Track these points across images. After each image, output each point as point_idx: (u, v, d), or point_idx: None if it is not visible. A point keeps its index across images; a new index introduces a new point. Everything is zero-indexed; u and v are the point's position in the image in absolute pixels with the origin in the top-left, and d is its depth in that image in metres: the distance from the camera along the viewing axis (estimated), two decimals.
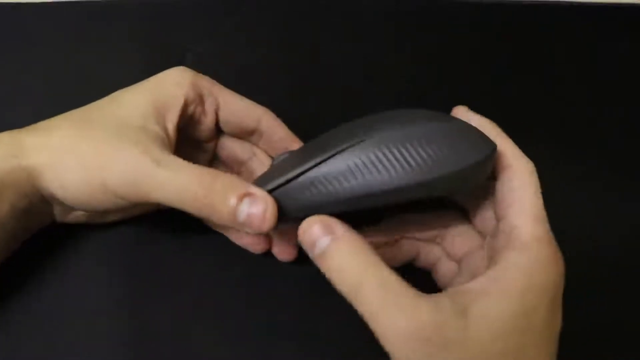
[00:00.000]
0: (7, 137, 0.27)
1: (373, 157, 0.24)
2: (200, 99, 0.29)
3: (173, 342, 0.29)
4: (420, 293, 0.22)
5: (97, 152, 0.25)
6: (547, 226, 0.25)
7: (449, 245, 0.29)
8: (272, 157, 0.31)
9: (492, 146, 0.25)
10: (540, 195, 0.25)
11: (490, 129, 0.27)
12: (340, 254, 0.23)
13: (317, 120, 0.33)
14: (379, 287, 0.22)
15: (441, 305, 0.22)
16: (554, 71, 0.38)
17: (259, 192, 0.24)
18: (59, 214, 0.29)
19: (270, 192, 0.25)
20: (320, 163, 0.24)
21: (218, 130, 0.31)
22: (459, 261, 0.29)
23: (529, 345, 0.23)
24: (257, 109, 0.30)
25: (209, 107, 0.29)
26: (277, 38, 0.38)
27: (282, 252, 0.30)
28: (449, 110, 0.36)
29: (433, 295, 0.22)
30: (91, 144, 0.26)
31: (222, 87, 0.30)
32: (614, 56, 0.39)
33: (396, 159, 0.23)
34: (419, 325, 0.21)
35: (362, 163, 0.24)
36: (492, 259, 0.25)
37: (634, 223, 0.34)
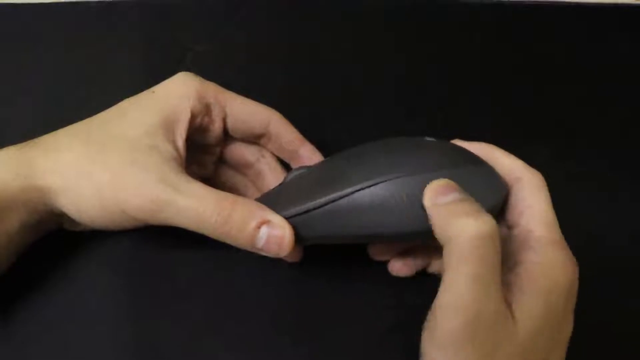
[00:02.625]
0: (16, 153, 0.26)
1: (394, 201, 0.24)
2: (207, 109, 0.29)
3: (177, 349, 0.29)
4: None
5: (113, 180, 0.25)
6: (560, 232, 0.26)
7: None
8: (279, 159, 0.31)
9: (505, 190, 0.26)
10: (551, 203, 0.26)
11: (493, 151, 0.28)
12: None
13: (317, 120, 0.34)
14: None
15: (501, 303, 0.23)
16: (554, 71, 0.38)
17: (278, 220, 0.25)
18: (68, 225, 0.29)
19: (288, 218, 0.25)
20: (342, 197, 0.25)
21: (225, 134, 0.31)
22: None
23: (553, 346, 0.24)
24: (265, 112, 0.30)
25: (216, 116, 0.29)
26: (277, 38, 0.38)
27: (290, 254, 0.30)
28: (450, 110, 0.36)
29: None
30: (106, 171, 0.25)
31: (228, 93, 0.29)
32: (614, 56, 0.39)
33: (416, 205, 0.24)
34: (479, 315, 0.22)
35: (383, 205, 0.24)
36: (504, 264, 0.25)
37: (635, 223, 0.33)
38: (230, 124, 0.30)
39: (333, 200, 0.25)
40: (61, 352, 0.28)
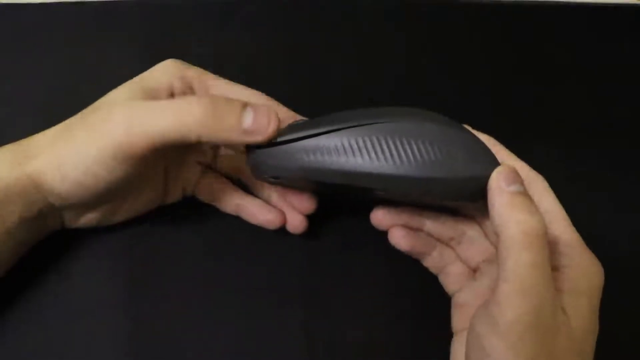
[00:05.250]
0: (13, 145, 0.27)
1: (373, 142, 0.25)
2: (191, 91, 0.29)
3: (173, 344, 0.29)
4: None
5: (89, 133, 0.26)
6: (574, 230, 0.26)
7: (463, 251, 0.29)
8: None
9: (493, 167, 0.25)
10: (559, 203, 0.27)
11: (498, 148, 0.28)
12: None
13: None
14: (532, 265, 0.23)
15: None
16: (554, 71, 0.38)
17: (257, 100, 0.27)
18: (68, 220, 0.29)
19: (276, 145, 0.26)
20: (325, 133, 0.25)
21: None
22: (474, 267, 0.29)
23: (589, 346, 0.24)
24: (249, 92, 0.30)
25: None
26: (277, 38, 0.38)
27: (294, 222, 0.30)
28: (450, 111, 0.36)
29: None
30: (82, 130, 0.26)
31: (212, 75, 0.30)
32: (614, 56, 0.39)
33: (392, 149, 0.24)
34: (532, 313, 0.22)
35: (362, 144, 0.25)
36: None
37: (635, 223, 0.33)
38: None
39: (319, 134, 0.25)
40: (57, 346, 0.28)
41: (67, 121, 0.28)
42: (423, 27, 0.39)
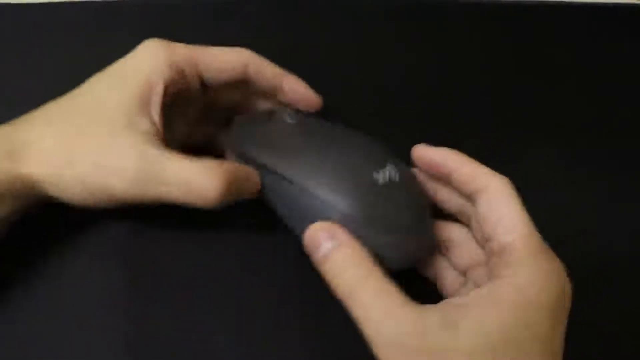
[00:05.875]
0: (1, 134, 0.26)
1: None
2: (181, 74, 0.28)
3: (171, 342, 0.29)
4: (411, 302, 0.23)
5: (95, 169, 0.25)
6: (539, 238, 0.24)
7: (453, 256, 0.29)
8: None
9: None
10: (524, 208, 0.25)
11: (455, 157, 0.27)
12: (342, 259, 0.24)
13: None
14: (373, 294, 0.23)
15: (429, 315, 0.22)
16: (554, 71, 0.38)
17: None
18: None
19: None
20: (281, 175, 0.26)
21: (205, 88, 0.30)
22: (464, 272, 0.29)
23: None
24: (239, 55, 0.29)
25: (192, 77, 0.29)
26: (277, 38, 0.38)
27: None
28: (450, 111, 0.36)
29: (425, 305, 0.23)
30: (86, 160, 0.25)
31: (199, 49, 0.29)
32: (614, 56, 0.39)
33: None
34: (403, 333, 0.22)
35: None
36: (489, 276, 0.25)
37: (635, 223, 0.33)
38: (207, 78, 0.29)
39: (283, 178, 0.26)
40: (58, 347, 0.28)
41: (61, 118, 0.27)
42: (423, 27, 0.39)
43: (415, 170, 0.29)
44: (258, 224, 0.31)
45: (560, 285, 0.23)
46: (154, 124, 0.27)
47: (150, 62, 0.27)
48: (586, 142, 0.36)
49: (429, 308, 0.23)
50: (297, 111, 0.30)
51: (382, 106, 0.36)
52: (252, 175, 0.27)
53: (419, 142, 0.34)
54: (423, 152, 0.28)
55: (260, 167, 0.27)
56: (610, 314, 0.31)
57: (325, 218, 0.24)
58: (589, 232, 0.33)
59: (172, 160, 0.25)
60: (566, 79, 0.38)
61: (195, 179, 0.25)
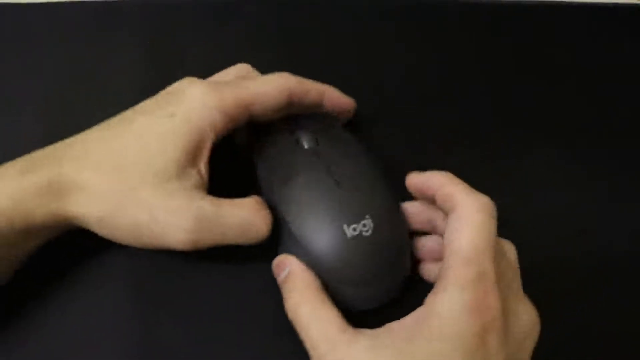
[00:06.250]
0: (40, 176, 0.25)
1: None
2: (232, 121, 0.28)
3: (179, 352, 0.29)
4: (349, 328, 0.24)
5: (150, 222, 0.25)
6: (478, 269, 0.23)
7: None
8: None
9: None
10: (485, 234, 0.24)
11: (439, 178, 0.27)
12: (291, 285, 0.26)
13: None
14: (310, 317, 0.25)
15: (359, 340, 0.23)
16: (554, 71, 0.38)
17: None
18: None
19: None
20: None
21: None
22: None
23: None
24: (284, 85, 0.28)
25: (241, 120, 0.28)
26: (277, 38, 0.38)
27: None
28: (450, 111, 0.36)
29: (361, 330, 0.24)
30: (142, 210, 0.25)
31: (245, 87, 0.28)
32: (614, 56, 0.39)
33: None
34: (334, 355, 0.23)
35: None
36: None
37: (635, 223, 0.33)
38: (255, 116, 0.29)
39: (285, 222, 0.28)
40: (62, 355, 0.28)
41: (110, 160, 0.26)
42: (423, 27, 0.39)
43: (408, 204, 0.30)
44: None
45: (481, 323, 0.23)
46: (201, 176, 0.27)
47: (202, 114, 0.27)
48: (586, 142, 0.36)
49: (362, 333, 0.24)
50: (320, 129, 0.30)
51: (382, 106, 0.36)
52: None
53: (419, 142, 0.35)
54: (414, 179, 0.28)
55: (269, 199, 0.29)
56: (610, 314, 0.31)
57: (301, 255, 0.27)
58: (589, 232, 0.33)
59: (223, 208, 0.26)
60: (566, 79, 0.38)
61: (249, 222, 0.27)
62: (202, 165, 0.27)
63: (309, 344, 0.24)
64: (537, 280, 0.31)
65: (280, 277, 0.27)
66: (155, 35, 0.38)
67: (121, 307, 0.29)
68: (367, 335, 0.24)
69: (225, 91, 0.27)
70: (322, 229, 0.27)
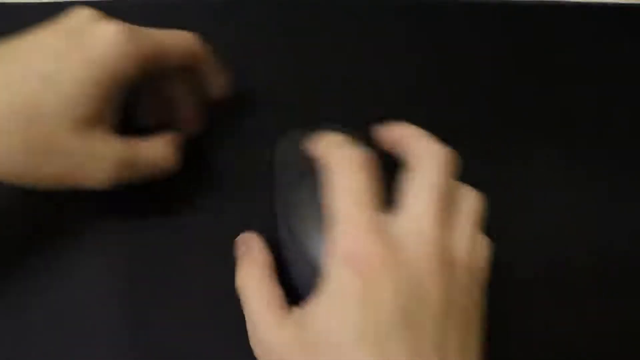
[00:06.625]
0: None
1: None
2: (143, 70, 0.28)
3: (174, 343, 0.29)
4: (291, 311, 0.24)
5: (72, 168, 0.26)
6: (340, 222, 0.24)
7: None
8: None
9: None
10: (366, 181, 0.24)
11: (400, 129, 0.28)
12: (245, 262, 0.27)
13: (317, 119, 0.33)
14: (254, 293, 0.26)
15: (291, 316, 0.24)
16: (554, 71, 0.38)
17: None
18: None
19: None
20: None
21: None
22: None
23: None
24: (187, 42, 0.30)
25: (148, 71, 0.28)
26: (277, 38, 0.38)
27: None
28: (450, 111, 0.36)
29: (296, 308, 0.24)
30: (61, 159, 0.26)
31: (161, 44, 0.28)
32: (614, 56, 0.39)
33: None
34: (280, 341, 0.24)
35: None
36: None
37: (635, 223, 0.33)
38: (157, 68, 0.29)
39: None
40: (55, 346, 0.28)
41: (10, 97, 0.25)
42: (423, 27, 0.39)
43: None
44: (260, 226, 0.31)
45: (357, 273, 0.22)
46: (115, 117, 0.27)
47: (119, 62, 0.26)
48: (586, 142, 0.36)
49: (293, 312, 0.24)
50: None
51: (382, 106, 0.36)
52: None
53: None
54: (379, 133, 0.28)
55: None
56: (610, 314, 0.31)
57: (302, 258, 0.27)
58: (589, 232, 0.33)
59: (139, 149, 0.28)
60: (566, 79, 0.38)
61: (162, 158, 0.29)
62: (114, 109, 0.27)
63: (246, 316, 0.25)
64: (537, 280, 0.31)
65: (240, 251, 0.28)
66: None
67: (110, 296, 0.30)
68: (296, 314, 0.24)
69: (138, 37, 0.27)
70: (323, 235, 0.27)
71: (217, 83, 0.32)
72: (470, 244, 0.24)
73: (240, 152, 0.34)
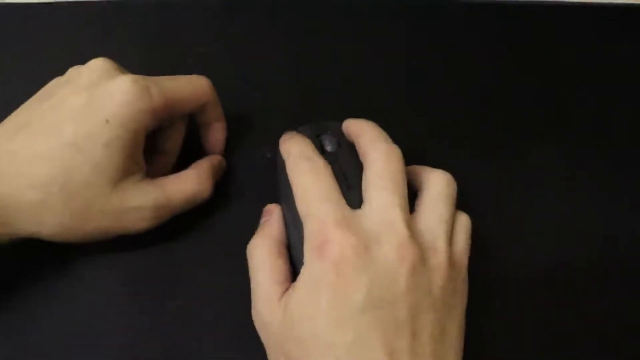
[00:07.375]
0: None
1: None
2: (160, 120, 0.29)
3: (176, 343, 0.29)
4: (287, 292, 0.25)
5: (111, 224, 0.27)
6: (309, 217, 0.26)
7: None
8: None
9: None
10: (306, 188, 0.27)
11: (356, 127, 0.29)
12: (263, 232, 0.28)
13: (317, 119, 0.33)
14: (262, 263, 0.27)
15: (284, 297, 0.25)
16: (554, 71, 0.38)
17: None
18: None
19: None
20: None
21: None
22: None
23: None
24: (201, 89, 0.30)
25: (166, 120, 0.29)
26: (277, 38, 0.38)
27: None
28: (450, 110, 0.36)
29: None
30: (97, 220, 0.27)
31: (171, 87, 0.29)
32: (614, 56, 0.39)
33: None
34: (271, 319, 0.25)
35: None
36: None
37: (635, 223, 0.33)
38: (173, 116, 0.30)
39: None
40: (55, 348, 0.28)
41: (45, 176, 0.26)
42: (423, 27, 0.39)
43: None
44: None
45: (327, 262, 0.24)
46: (142, 166, 0.28)
47: (136, 118, 0.27)
48: (586, 142, 0.36)
49: (293, 287, 0.25)
50: (344, 135, 0.30)
51: (383, 106, 0.36)
52: (222, 161, 0.32)
53: (419, 142, 0.35)
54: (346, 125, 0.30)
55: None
56: (610, 314, 0.31)
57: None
58: (589, 232, 0.33)
59: (170, 189, 0.29)
60: (566, 79, 0.38)
61: (195, 193, 0.29)
62: (140, 158, 0.28)
63: (252, 284, 0.27)
64: (537, 280, 0.31)
65: (262, 219, 0.29)
66: (155, 35, 0.38)
67: (110, 297, 0.30)
68: (285, 298, 0.25)
69: (154, 93, 0.27)
70: None
71: (217, 135, 0.32)
72: (441, 225, 0.26)
73: (241, 152, 0.34)
